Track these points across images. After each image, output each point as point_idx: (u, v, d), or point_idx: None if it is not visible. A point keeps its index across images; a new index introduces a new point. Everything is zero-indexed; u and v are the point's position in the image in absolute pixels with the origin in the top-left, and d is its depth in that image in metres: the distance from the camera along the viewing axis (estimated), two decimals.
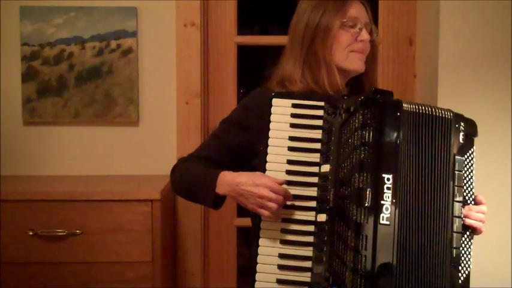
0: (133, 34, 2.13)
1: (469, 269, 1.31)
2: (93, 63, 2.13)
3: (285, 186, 1.29)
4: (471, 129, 1.35)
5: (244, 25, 2.44)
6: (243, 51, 2.27)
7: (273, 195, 1.26)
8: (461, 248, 1.31)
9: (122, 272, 1.79)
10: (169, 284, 2.04)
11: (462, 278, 1.30)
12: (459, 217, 1.29)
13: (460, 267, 1.29)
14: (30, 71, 2.13)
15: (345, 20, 1.40)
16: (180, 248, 2.19)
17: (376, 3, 2.19)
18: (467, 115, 1.37)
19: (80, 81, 2.14)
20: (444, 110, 1.32)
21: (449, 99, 1.87)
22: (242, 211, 2.24)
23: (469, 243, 1.33)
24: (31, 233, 1.76)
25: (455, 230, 1.29)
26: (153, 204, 1.79)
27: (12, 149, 2.17)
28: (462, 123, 1.33)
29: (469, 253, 1.33)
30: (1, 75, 2.15)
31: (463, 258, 1.31)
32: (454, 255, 1.28)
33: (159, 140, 2.18)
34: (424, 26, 2.11)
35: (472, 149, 1.35)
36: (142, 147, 2.19)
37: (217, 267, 2.28)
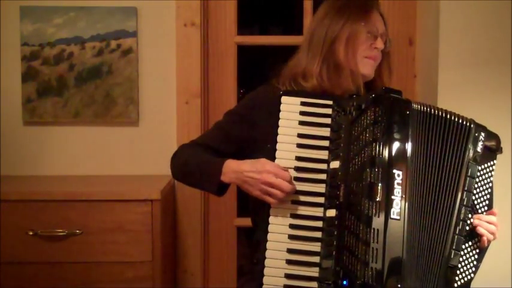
0: (134, 34, 2.13)
1: (469, 276, 1.32)
2: (93, 63, 2.13)
3: (292, 181, 1.31)
4: (493, 142, 1.38)
5: (244, 25, 2.44)
6: (243, 51, 2.26)
7: (276, 180, 1.28)
8: (462, 253, 1.31)
9: (122, 272, 1.79)
10: (169, 284, 2.04)
11: (459, 283, 1.31)
12: (464, 221, 1.31)
13: (458, 271, 1.30)
14: (30, 71, 2.13)
15: (366, 27, 1.45)
16: (180, 248, 2.19)
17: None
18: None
19: (80, 81, 2.14)
20: (464, 118, 1.35)
21: (449, 99, 1.87)
22: (242, 211, 2.24)
23: (474, 251, 1.34)
24: (31, 233, 1.76)
25: (457, 232, 1.30)
26: (153, 204, 1.79)
27: (12, 149, 2.17)
28: (483, 134, 1.36)
29: (473, 261, 1.33)
30: (1, 75, 2.15)
31: (463, 264, 1.31)
32: (452, 256, 1.29)
33: (159, 140, 2.18)
34: (424, 26, 2.11)
35: (491, 162, 1.38)
36: (142, 147, 2.19)
37: (217, 267, 2.28)
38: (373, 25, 1.46)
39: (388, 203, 1.18)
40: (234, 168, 1.36)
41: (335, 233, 1.26)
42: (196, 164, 1.46)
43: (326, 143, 1.33)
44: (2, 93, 2.15)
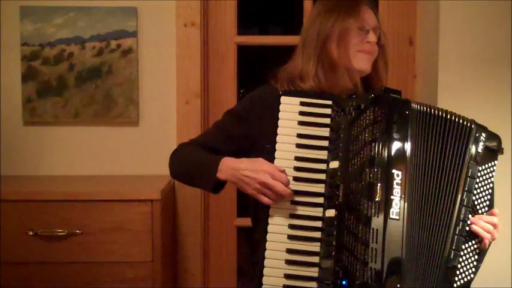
0: (134, 34, 2.13)
1: (469, 277, 1.32)
2: (93, 63, 2.13)
3: (292, 181, 1.31)
4: (494, 143, 1.38)
5: (244, 25, 2.44)
6: (243, 51, 2.26)
7: (272, 181, 1.28)
8: (462, 253, 1.31)
9: (122, 272, 1.79)
10: (169, 284, 2.04)
11: (459, 283, 1.30)
12: (464, 221, 1.31)
13: (457, 271, 1.30)
14: (30, 71, 2.13)
15: (355, 22, 1.45)
16: (180, 248, 2.19)
17: (376, 3, 2.19)
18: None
19: (80, 81, 2.14)
20: (465, 118, 1.35)
21: (449, 99, 1.87)
22: (242, 211, 2.24)
23: (474, 251, 1.33)
24: (31, 233, 1.76)
25: (457, 232, 1.30)
26: (153, 204, 1.79)
27: (12, 149, 2.17)
28: (484, 134, 1.36)
29: (473, 261, 1.33)
30: (1, 75, 2.15)
31: (463, 264, 1.31)
32: (452, 256, 1.29)
33: (159, 140, 2.18)
34: (424, 26, 2.11)
35: (492, 163, 1.37)
36: (142, 147, 2.19)
37: (217, 267, 2.28)
38: (364, 20, 1.47)
39: (387, 203, 1.19)
40: (230, 166, 1.36)
41: (334, 233, 1.27)
42: (193, 161, 1.47)
43: (325, 143, 1.33)
44: (2, 93, 2.15)
